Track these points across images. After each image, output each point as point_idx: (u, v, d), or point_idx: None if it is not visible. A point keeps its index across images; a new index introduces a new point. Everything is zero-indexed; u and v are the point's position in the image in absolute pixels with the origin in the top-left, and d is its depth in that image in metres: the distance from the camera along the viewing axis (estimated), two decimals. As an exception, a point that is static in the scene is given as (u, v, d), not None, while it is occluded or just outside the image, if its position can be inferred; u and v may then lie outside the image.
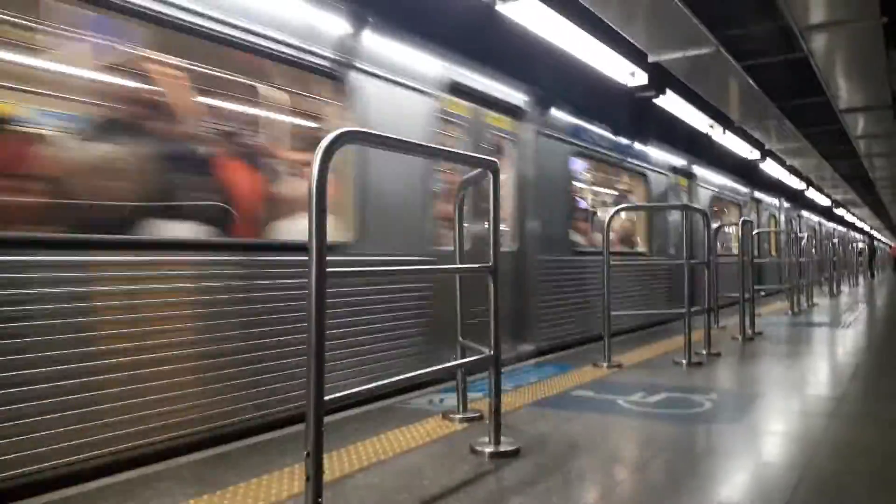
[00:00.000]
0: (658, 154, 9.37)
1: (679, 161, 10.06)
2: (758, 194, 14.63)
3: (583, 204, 8.09)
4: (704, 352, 5.37)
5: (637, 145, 8.81)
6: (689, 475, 2.62)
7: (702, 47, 8.31)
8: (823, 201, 24.93)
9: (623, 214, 8.16)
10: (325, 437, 2.01)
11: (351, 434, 3.11)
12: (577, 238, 7.19)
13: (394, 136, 2.66)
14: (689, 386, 4.28)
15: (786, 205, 17.36)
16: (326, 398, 2.01)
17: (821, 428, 3.27)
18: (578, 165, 7.66)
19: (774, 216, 16.20)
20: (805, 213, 20.22)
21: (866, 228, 41.89)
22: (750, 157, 14.30)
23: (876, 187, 22.75)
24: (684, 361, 5.00)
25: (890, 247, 40.63)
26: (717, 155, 12.16)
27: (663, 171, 9.47)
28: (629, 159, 8.55)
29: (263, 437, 3.12)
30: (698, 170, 10.79)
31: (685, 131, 10.81)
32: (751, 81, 9.86)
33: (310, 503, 1.96)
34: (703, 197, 10.92)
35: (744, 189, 13.55)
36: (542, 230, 6.14)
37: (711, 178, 11.42)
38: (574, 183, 7.48)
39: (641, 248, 8.79)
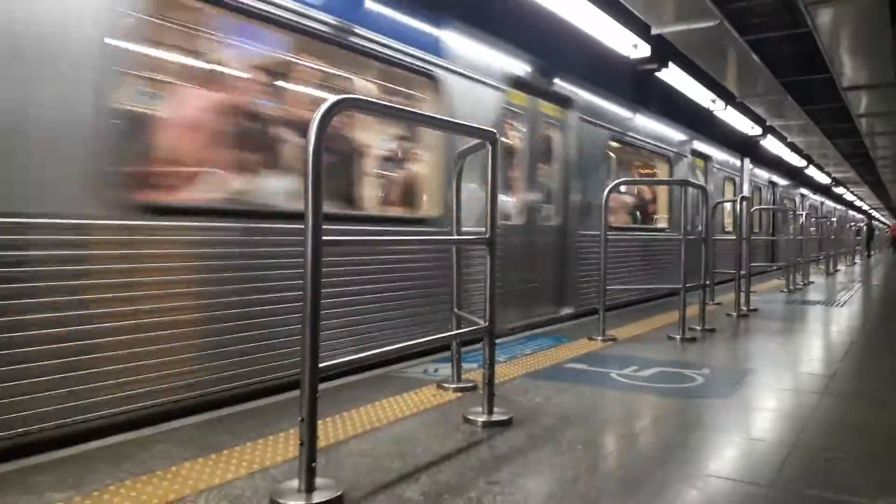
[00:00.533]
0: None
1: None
2: (703, 146, 11.14)
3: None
4: (699, 327, 5.40)
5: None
6: (679, 448, 2.65)
7: (706, 20, 8.21)
8: (823, 179, 24.88)
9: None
10: (321, 403, 2.03)
11: (346, 401, 3.13)
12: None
13: (385, 104, 2.67)
14: (682, 361, 4.31)
15: (752, 168, 14.38)
16: (321, 365, 2.02)
17: (811, 405, 3.31)
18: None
19: (734, 181, 13.11)
20: (784, 183, 17.74)
21: (865, 207, 41.90)
22: (751, 133, 14.23)
23: (876, 166, 22.68)
24: (678, 336, 5.03)
25: (889, 226, 40.64)
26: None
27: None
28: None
29: (260, 402, 3.14)
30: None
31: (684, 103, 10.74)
32: (754, 56, 9.76)
33: (303, 468, 1.98)
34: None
35: (679, 136, 10.07)
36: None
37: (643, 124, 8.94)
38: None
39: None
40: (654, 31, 8.40)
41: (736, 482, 2.30)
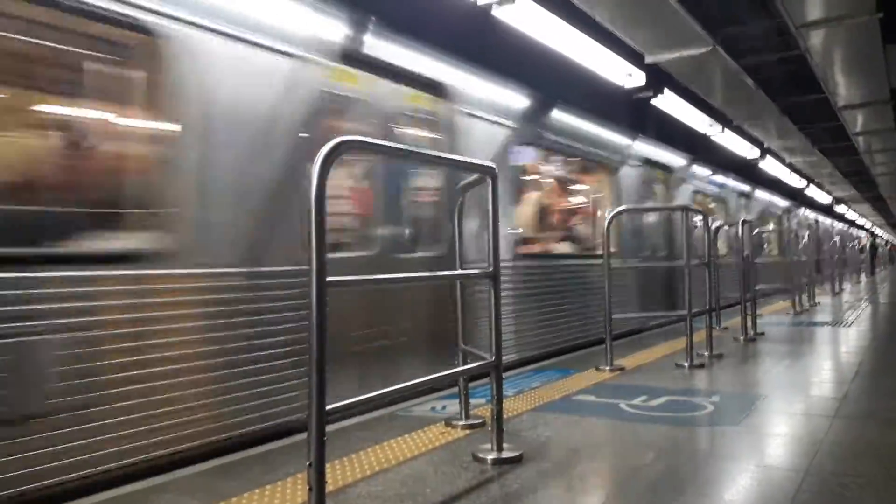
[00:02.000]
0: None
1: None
2: (649, 149, 8.94)
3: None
4: (706, 353, 5.37)
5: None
6: (692, 479, 2.62)
7: (698, 46, 8.33)
8: (824, 198, 24.93)
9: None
10: (328, 445, 2.02)
11: (354, 442, 3.11)
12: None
13: (390, 144, 2.69)
14: (692, 388, 4.28)
15: (734, 184, 12.86)
16: (328, 407, 2.02)
17: (823, 429, 3.27)
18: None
19: (724, 200, 12.17)
20: (776, 200, 16.53)
21: (867, 225, 41.85)
22: (749, 156, 14.31)
23: (876, 183, 22.75)
24: (686, 364, 5.00)
25: (892, 245, 40.56)
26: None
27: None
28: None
29: (267, 446, 3.12)
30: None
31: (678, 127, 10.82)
32: (748, 80, 9.87)
33: (313, 513, 1.96)
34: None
35: (619, 140, 8.20)
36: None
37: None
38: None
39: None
40: (647, 60, 8.53)
41: (751, 513, 2.26)
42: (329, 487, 2.19)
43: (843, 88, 10.75)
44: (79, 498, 2.48)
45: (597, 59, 7.09)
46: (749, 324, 6.69)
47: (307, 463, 1.97)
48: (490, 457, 2.79)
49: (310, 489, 1.97)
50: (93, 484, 2.71)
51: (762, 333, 6.89)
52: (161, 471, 2.76)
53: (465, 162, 3.30)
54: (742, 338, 6.49)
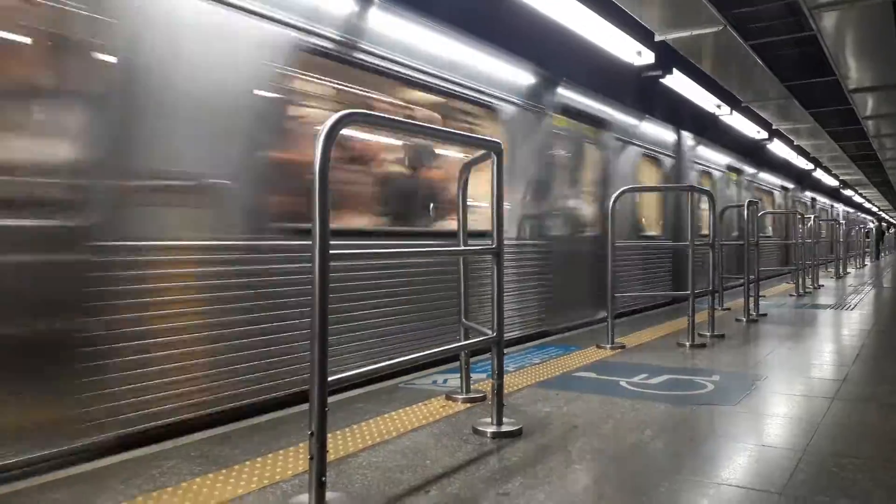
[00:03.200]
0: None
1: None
2: (591, 103, 7.37)
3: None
4: (708, 333, 5.38)
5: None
6: (690, 456, 2.64)
7: (709, 26, 8.22)
8: (831, 182, 24.79)
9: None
10: (330, 416, 2.04)
11: (355, 413, 3.14)
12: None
13: (390, 117, 2.69)
14: (692, 367, 4.30)
15: (696, 145, 10.71)
16: (330, 378, 2.03)
17: (822, 410, 3.29)
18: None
19: (657, 159, 9.28)
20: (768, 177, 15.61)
21: (874, 209, 41.64)
22: (757, 137, 14.20)
23: (885, 168, 22.58)
24: (688, 343, 5.01)
25: None
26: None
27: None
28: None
29: (269, 416, 3.15)
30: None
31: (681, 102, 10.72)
32: (758, 60, 9.76)
33: (313, 482, 1.99)
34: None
35: (524, 75, 6.15)
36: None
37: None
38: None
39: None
40: (657, 38, 8.42)
41: (748, 490, 2.29)
42: (330, 457, 2.22)
43: (854, 71, 10.61)
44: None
45: (607, 36, 7.01)
46: (751, 305, 6.69)
47: (309, 432, 1.99)
48: (490, 430, 2.82)
49: (311, 458, 1.99)
50: None
51: (764, 315, 6.90)
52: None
53: (469, 137, 3.28)
54: (744, 319, 6.50)
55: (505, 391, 2.91)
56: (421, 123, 3.24)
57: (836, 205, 26.19)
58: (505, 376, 2.92)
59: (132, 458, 2.56)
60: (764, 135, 14.30)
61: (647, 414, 3.25)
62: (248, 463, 2.49)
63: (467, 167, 3.38)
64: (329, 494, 2.02)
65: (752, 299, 6.73)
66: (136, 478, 2.34)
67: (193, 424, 3.05)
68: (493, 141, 2.91)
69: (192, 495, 2.18)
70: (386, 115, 2.76)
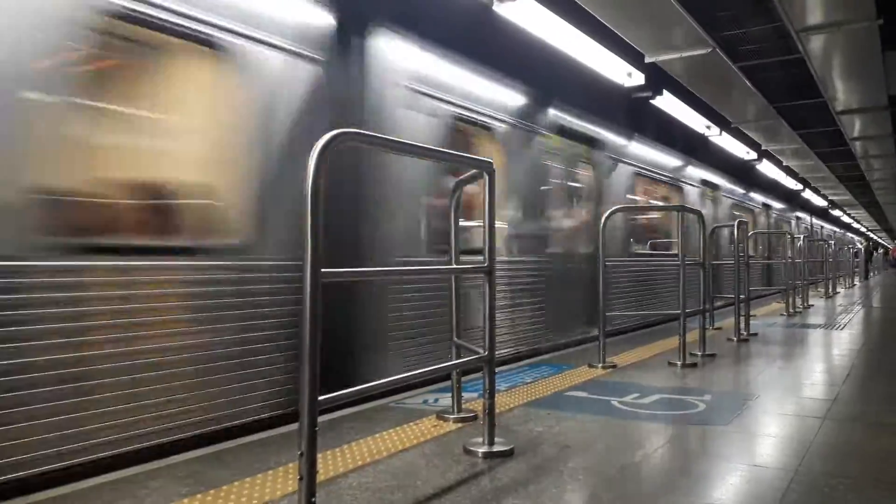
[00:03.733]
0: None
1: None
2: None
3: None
4: (699, 353, 5.39)
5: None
6: (682, 476, 2.63)
7: (699, 48, 8.33)
8: (820, 202, 25.00)
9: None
10: (320, 435, 2.02)
11: (346, 433, 3.12)
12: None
13: (386, 137, 2.70)
14: (683, 387, 4.30)
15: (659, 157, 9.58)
16: (320, 398, 2.02)
17: (813, 430, 3.29)
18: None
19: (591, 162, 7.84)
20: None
21: (863, 230, 41.97)
22: (747, 158, 14.34)
23: (873, 188, 22.82)
24: (679, 363, 5.02)
25: (888, 249, 40.68)
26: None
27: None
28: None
29: (258, 435, 3.13)
30: None
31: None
32: (747, 82, 9.89)
33: (303, 502, 1.97)
34: None
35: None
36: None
37: None
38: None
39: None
40: (647, 60, 8.53)
41: (739, 511, 2.28)
42: (320, 477, 2.19)
43: (841, 93, 10.77)
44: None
45: (597, 58, 7.09)
46: (742, 324, 6.71)
47: (298, 453, 1.98)
48: (481, 450, 2.80)
49: (300, 479, 1.97)
50: None
51: (755, 334, 6.91)
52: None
53: (462, 156, 3.30)
54: (735, 338, 6.51)
55: (497, 410, 2.90)
56: (416, 144, 3.24)
57: (825, 225, 26.39)
58: (497, 395, 2.91)
59: (119, 478, 2.52)
60: (753, 155, 14.44)
61: (639, 434, 3.24)
62: (236, 483, 2.46)
63: (458, 185, 3.40)
64: (319, 515, 2.00)
65: (742, 319, 6.75)
66: (122, 499, 2.31)
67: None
68: (485, 160, 2.92)
69: (180, 516, 2.16)
70: (380, 136, 2.77)
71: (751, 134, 13.54)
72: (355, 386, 2.25)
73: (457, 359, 3.29)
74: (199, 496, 2.33)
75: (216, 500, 2.30)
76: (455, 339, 3.38)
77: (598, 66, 7.29)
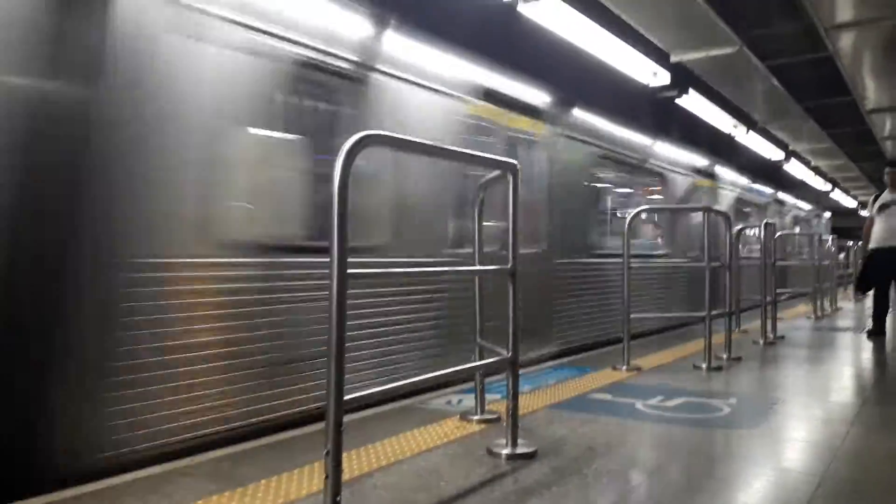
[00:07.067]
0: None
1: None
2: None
3: None
4: (725, 356, 5.33)
5: None
6: (708, 479, 2.62)
7: (725, 47, 8.25)
8: (849, 203, 24.59)
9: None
10: (345, 435, 2.04)
11: (370, 433, 3.14)
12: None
13: (412, 139, 2.68)
14: (709, 390, 4.26)
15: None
16: (346, 398, 2.04)
17: (841, 434, 3.24)
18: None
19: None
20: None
21: None
22: (774, 158, 14.15)
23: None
24: (704, 365, 4.97)
25: None
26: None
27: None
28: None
29: (285, 434, 3.16)
30: None
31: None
32: (775, 81, 9.76)
33: (328, 501, 1.99)
34: None
35: None
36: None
37: None
38: None
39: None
40: (673, 59, 8.46)
41: (765, 516, 2.26)
42: (345, 476, 2.22)
43: (871, 92, 10.59)
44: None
45: (622, 58, 7.06)
46: (769, 327, 6.63)
47: (324, 451, 2.00)
48: (504, 452, 2.81)
49: (326, 477, 2.00)
50: None
51: (782, 337, 6.83)
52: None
53: (486, 158, 3.31)
54: (762, 341, 6.44)
55: (520, 412, 2.90)
56: (440, 145, 3.25)
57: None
58: (520, 397, 2.91)
59: (148, 475, 2.57)
60: (781, 155, 14.24)
61: (663, 437, 3.23)
62: (262, 482, 2.50)
63: (482, 187, 3.41)
64: (344, 514, 2.02)
65: (769, 321, 6.67)
66: (153, 494, 2.36)
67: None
68: (510, 161, 2.93)
69: (208, 513, 2.19)
70: (405, 137, 2.79)
71: (778, 134, 13.36)
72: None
73: (480, 360, 3.30)
74: (227, 493, 2.37)
75: (243, 497, 2.34)
76: (478, 340, 3.39)
77: (623, 65, 7.25)
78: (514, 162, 2.92)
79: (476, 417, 3.38)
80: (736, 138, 11.69)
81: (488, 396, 3.49)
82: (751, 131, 11.81)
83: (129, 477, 2.54)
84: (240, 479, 2.51)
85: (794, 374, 5.01)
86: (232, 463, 2.73)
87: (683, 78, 8.80)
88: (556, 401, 3.89)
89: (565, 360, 5.51)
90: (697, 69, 9.07)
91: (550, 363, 5.34)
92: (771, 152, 13.69)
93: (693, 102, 9.36)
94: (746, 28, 8.16)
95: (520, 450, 2.82)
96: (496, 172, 3.18)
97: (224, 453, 2.86)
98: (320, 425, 2.37)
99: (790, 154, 14.85)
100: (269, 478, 2.54)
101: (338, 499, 2.00)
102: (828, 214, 19.24)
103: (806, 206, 17.22)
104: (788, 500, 2.39)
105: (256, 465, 2.68)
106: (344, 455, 2.07)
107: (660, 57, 7.96)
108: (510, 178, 2.88)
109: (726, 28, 7.65)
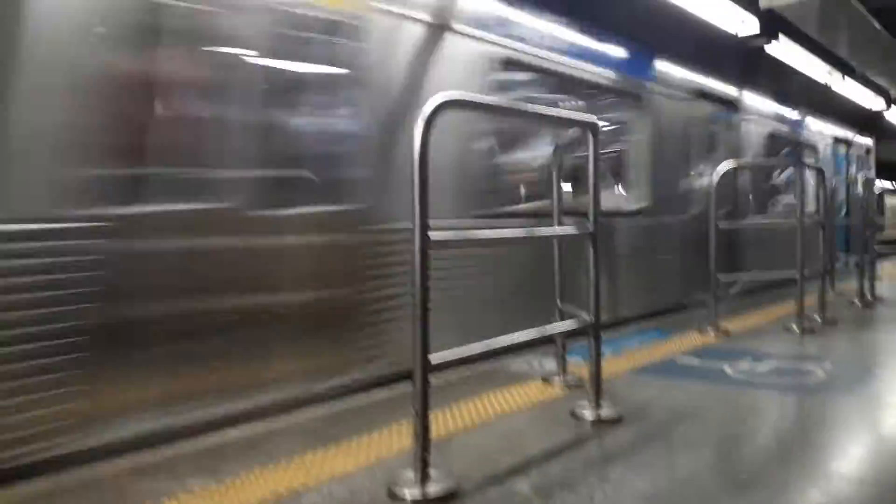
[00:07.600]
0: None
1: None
2: None
3: None
4: (819, 318, 5.11)
5: None
6: (800, 446, 2.54)
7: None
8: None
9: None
10: (431, 397, 2.09)
11: (454, 396, 3.20)
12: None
13: (490, 101, 2.67)
14: (802, 354, 4.11)
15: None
16: (430, 357, 2.08)
17: (948, 401, 3.08)
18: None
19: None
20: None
21: None
22: (874, 107, 13.21)
23: None
24: (797, 328, 4.78)
25: None
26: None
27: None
28: None
29: (373, 397, 3.27)
30: None
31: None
32: (874, 22, 9.08)
33: (418, 459, 2.06)
34: None
35: None
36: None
37: None
38: None
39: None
40: (762, 4, 7.98)
41: (862, 483, 2.18)
42: (432, 436, 2.28)
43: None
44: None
45: (708, 6, 6.71)
46: (866, 287, 6.29)
47: (414, 411, 2.06)
48: (589, 416, 2.80)
49: (415, 436, 2.06)
50: None
51: (881, 298, 6.47)
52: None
53: (564, 117, 3.25)
54: (858, 302, 6.12)
55: (603, 376, 2.89)
56: (518, 106, 3.20)
57: None
58: (603, 361, 2.89)
59: (245, 435, 2.72)
60: (881, 103, 13.28)
61: (753, 402, 3.14)
62: (354, 439, 2.60)
63: (560, 148, 3.35)
64: (432, 472, 2.08)
65: (866, 281, 6.33)
66: (253, 450, 2.49)
67: None
68: (589, 118, 2.86)
69: (305, 469, 2.31)
70: (481, 99, 2.76)
71: (878, 80, 12.45)
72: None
73: (560, 322, 3.29)
74: (320, 451, 2.48)
75: (337, 454, 2.44)
76: (558, 303, 3.37)
77: (709, 14, 6.90)
78: (594, 120, 2.85)
79: (558, 380, 3.39)
80: (831, 87, 10.96)
81: (570, 359, 3.49)
82: (847, 78, 11.04)
83: (226, 436, 2.69)
84: (332, 438, 2.62)
85: (894, 337, 4.76)
86: (324, 423, 2.84)
87: (772, 25, 8.29)
88: (640, 365, 3.85)
89: (650, 323, 5.41)
90: (788, 14, 8.51)
91: (634, 326, 5.26)
92: (870, 100, 12.79)
93: (783, 50, 8.81)
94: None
95: (604, 414, 2.81)
96: (574, 132, 3.12)
97: (316, 414, 2.98)
98: (401, 389, 2.43)
99: (891, 101, 13.83)
100: (361, 436, 2.63)
101: (427, 457, 2.06)
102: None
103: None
104: (886, 467, 2.30)
105: (349, 424, 2.78)
106: (430, 415, 2.12)
107: (748, 4, 7.52)
108: (590, 137, 2.82)
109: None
